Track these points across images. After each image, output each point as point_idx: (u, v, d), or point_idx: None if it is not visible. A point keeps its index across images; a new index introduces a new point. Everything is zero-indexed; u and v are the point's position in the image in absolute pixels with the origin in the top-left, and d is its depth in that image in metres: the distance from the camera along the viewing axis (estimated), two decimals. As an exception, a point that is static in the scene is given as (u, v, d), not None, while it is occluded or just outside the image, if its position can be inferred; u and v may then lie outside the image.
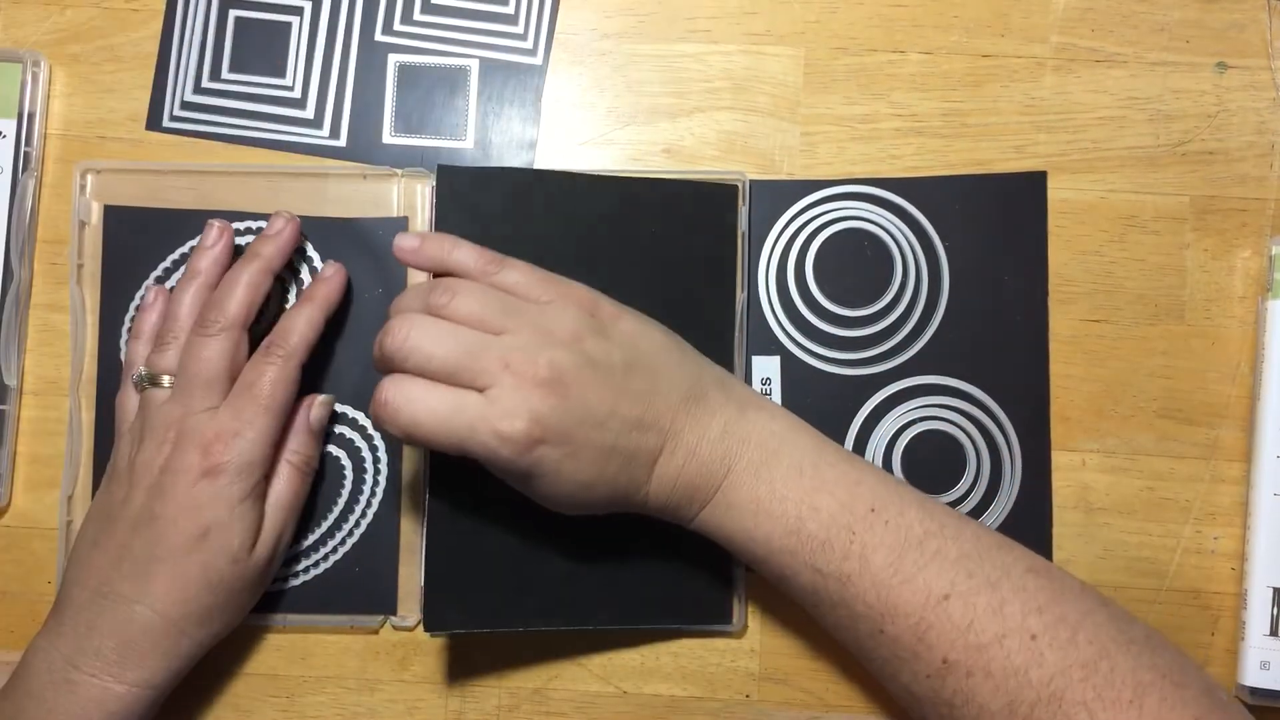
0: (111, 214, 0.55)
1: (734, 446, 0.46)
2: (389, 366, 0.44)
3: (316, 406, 0.52)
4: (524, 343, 0.44)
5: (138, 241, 0.55)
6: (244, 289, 0.50)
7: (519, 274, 0.47)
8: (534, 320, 0.45)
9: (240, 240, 0.54)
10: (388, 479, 0.54)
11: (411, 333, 0.43)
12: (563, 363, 0.43)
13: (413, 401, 0.43)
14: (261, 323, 0.51)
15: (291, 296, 0.54)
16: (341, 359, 0.54)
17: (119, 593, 0.47)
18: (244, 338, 0.50)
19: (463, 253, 0.47)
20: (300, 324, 0.51)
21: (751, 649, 0.54)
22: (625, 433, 0.44)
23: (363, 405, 0.54)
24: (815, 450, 0.47)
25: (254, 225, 0.55)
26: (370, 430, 0.54)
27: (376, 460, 0.54)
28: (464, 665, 0.54)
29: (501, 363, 0.43)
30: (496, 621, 0.51)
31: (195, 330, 0.50)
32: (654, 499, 0.46)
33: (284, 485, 0.51)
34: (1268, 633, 0.52)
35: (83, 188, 0.55)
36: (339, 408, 0.54)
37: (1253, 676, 0.51)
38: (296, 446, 0.51)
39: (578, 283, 0.48)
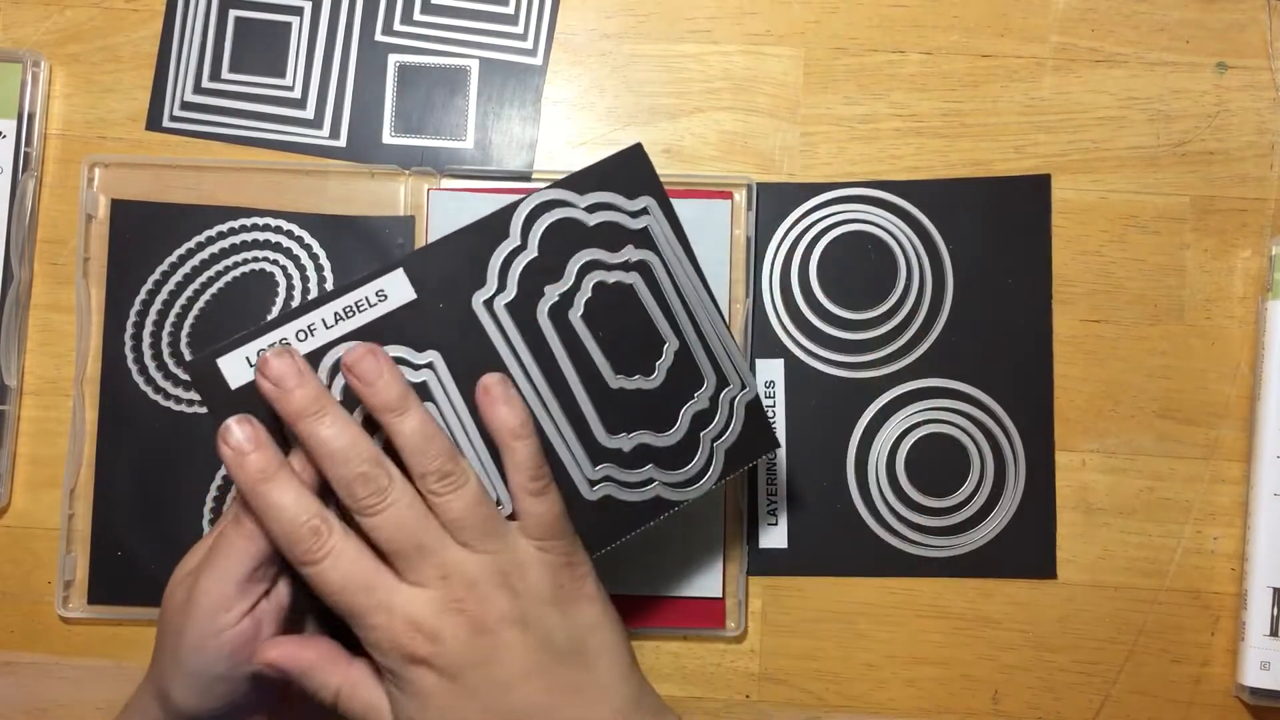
0: (118, 208, 0.55)
1: None
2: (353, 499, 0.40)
3: None
4: (480, 569, 0.40)
5: (144, 236, 0.55)
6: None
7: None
8: (507, 551, 0.41)
9: (246, 237, 0.54)
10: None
11: (390, 496, 0.40)
12: (504, 612, 0.40)
13: (340, 555, 0.40)
14: None
15: (284, 288, 0.54)
16: None
17: None
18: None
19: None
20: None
21: (751, 649, 0.54)
22: (523, 711, 0.40)
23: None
24: None
25: (259, 222, 0.55)
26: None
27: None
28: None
29: (441, 572, 0.40)
30: None
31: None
32: None
33: None
34: (1268, 633, 0.52)
35: (90, 181, 0.55)
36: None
37: (1253, 676, 0.51)
38: None
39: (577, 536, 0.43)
